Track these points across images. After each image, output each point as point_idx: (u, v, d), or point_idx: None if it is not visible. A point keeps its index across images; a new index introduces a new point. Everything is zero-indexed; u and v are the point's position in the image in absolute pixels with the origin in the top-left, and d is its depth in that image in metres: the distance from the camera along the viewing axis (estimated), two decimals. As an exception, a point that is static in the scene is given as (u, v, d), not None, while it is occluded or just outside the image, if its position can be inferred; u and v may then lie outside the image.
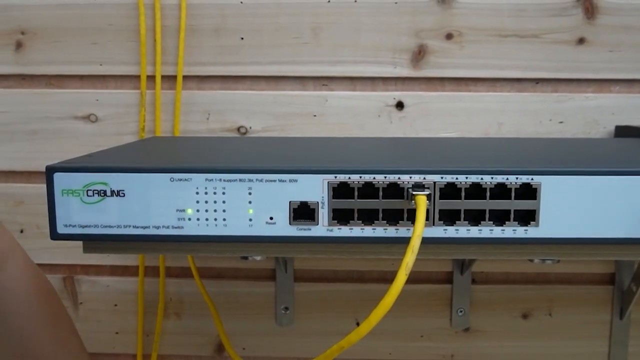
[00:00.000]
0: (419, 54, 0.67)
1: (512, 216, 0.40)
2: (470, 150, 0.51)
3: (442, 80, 0.68)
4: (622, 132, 0.66)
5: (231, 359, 0.74)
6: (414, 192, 0.39)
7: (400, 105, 0.68)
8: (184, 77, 0.68)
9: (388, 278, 0.72)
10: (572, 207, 0.40)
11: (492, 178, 0.39)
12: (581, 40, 0.66)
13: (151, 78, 0.68)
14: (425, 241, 0.38)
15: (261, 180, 0.40)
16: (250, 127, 0.69)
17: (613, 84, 0.67)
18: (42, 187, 0.71)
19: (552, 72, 0.67)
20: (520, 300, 0.71)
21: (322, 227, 0.40)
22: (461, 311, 0.71)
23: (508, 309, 0.72)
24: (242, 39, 0.68)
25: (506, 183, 0.39)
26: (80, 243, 0.44)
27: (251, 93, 0.68)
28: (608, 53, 0.66)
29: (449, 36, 0.67)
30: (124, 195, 0.40)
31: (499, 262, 0.71)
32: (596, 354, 0.72)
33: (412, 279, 0.72)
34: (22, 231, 0.72)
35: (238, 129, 0.69)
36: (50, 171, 0.40)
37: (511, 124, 0.68)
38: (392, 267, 0.72)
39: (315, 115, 0.68)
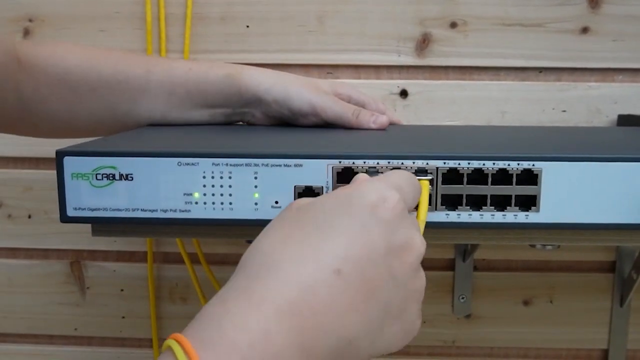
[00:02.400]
0: (424, 43, 0.68)
1: (513, 201, 0.40)
2: (472, 137, 0.52)
3: (446, 68, 0.68)
4: (625, 121, 0.66)
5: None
6: (417, 177, 0.39)
7: (404, 94, 0.68)
8: (190, 64, 0.69)
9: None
10: (573, 193, 0.40)
11: (493, 164, 0.40)
12: (585, 30, 0.67)
13: (157, 65, 0.69)
14: (428, 226, 0.39)
15: (267, 165, 0.41)
16: (256, 115, 0.69)
17: (616, 73, 0.68)
18: (50, 174, 0.72)
19: (555, 61, 0.67)
20: (522, 287, 0.72)
21: (327, 211, 0.41)
22: (463, 298, 0.72)
23: (509, 295, 0.72)
24: (248, 27, 0.68)
25: (508, 169, 0.40)
26: (87, 228, 0.45)
27: (256, 81, 0.69)
28: (612, 42, 0.67)
29: (453, 25, 0.67)
30: (132, 179, 0.41)
31: (500, 249, 0.72)
32: (596, 341, 0.73)
33: (415, 265, 0.73)
34: (29, 217, 0.73)
35: (243, 116, 0.69)
36: (60, 155, 0.41)
37: (514, 112, 0.68)
38: (395, 254, 0.72)
39: (319, 103, 0.69)
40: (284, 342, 0.26)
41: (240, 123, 0.57)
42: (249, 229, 0.43)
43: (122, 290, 0.75)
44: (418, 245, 0.32)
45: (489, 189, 0.40)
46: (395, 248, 0.31)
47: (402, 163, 0.40)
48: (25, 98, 0.49)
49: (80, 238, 0.74)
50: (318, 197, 0.33)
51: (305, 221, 0.31)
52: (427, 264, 0.72)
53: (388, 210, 0.31)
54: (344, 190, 0.33)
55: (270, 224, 0.33)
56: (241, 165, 0.41)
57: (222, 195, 0.41)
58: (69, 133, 0.53)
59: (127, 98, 0.51)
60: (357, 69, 0.69)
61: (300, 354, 0.27)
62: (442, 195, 0.41)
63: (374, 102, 0.57)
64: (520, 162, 0.40)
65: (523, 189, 0.40)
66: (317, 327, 0.27)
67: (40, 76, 0.49)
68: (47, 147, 0.71)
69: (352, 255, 0.29)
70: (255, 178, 0.41)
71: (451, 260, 0.72)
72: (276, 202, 0.41)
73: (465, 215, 0.41)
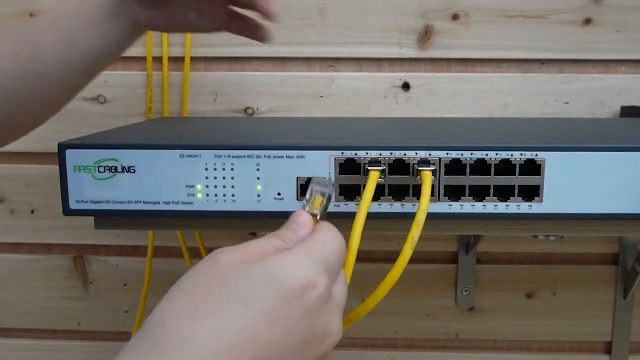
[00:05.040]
0: (426, 35, 0.67)
1: (516, 192, 0.40)
2: (475, 129, 0.52)
3: (448, 61, 0.68)
4: (628, 112, 0.66)
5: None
6: (419, 168, 0.39)
7: (406, 87, 0.68)
8: (192, 58, 0.69)
9: (393, 258, 0.72)
10: (576, 183, 0.40)
11: (497, 154, 0.40)
12: (588, 21, 0.66)
13: (159, 60, 0.69)
14: (431, 217, 0.39)
15: (269, 157, 0.41)
16: (257, 108, 0.69)
17: (619, 64, 0.67)
18: (53, 168, 0.72)
19: (558, 53, 0.67)
20: (525, 280, 0.72)
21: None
22: (466, 291, 0.72)
23: (513, 288, 0.72)
24: (249, 20, 0.68)
25: (511, 159, 0.40)
26: (90, 223, 0.45)
27: (258, 74, 0.69)
28: (615, 34, 0.66)
29: (455, 17, 0.67)
30: (134, 172, 0.41)
31: (504, 242, 0.71)
32: (600, 334, 0.73)
33: (418, 258, 0.73)
34: (32, 212, 0.73)
35: (245, 110, 0.69)
36: (62, 148, 0.41)
37: (517, 105, 0.68)
38: (397, 247, 0.72)
39: (321, 97, 0.69)
40: None
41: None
42: (252, 221, 0.43)
43: (125, 285, 0.75)
44: (335, 334, 0.32)
45: (492, 180, 0.40)
46: (314, 338, 0.30)
47: (405, 154, 0.40)
48: None
49: (83, 233, 0.74)
50: (244, 254, 0.31)
51: (222, 290, 0.29)
52: (431, 257, 0.72)
53: (314, 298, 0.30)
54: (272, 261, 0.30)
55: (181, 282, 0.30)
56: (244, 157, 0.41)
57: (224, 187, 0.41)
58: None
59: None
60: (359, 62, 0.68)
61: None
62: (445, 187, 0.41)
63: None
64: (524, 153, 0.40)
65: (526, 179, 0.40)
66: None
67: None
68: (49, 142, 0.71)
69: (271, 343, 0.28)
70: (258, 170, 0.41)
71: (454, 253, 0.72)
72: (279, 194, 0.41)
73: (468, 206, 0.41)
